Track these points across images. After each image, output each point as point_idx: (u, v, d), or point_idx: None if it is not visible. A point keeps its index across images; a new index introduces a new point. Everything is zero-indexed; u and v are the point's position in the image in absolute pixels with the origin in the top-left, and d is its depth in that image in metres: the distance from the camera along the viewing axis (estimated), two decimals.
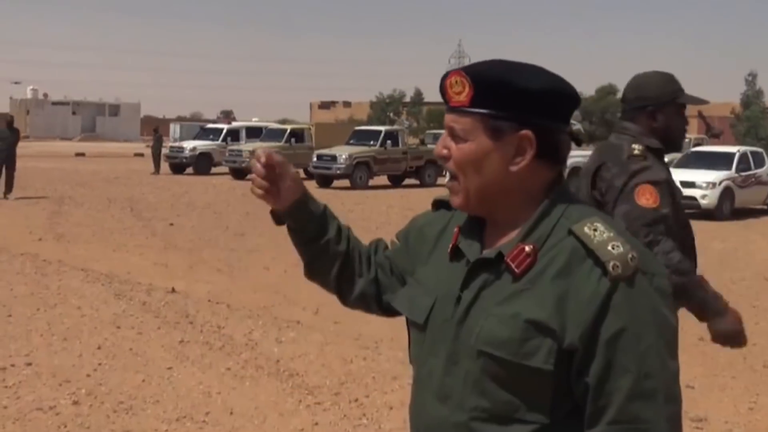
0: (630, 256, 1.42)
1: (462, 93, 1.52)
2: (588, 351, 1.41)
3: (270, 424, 5.13)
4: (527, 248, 1.48)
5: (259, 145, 29.68)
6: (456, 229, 1.63)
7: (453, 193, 1.59)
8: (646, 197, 3.00)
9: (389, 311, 1.81)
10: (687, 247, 3.10)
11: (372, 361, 6.47)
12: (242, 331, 7.37)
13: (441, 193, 1.80)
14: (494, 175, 1.52)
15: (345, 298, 1.87)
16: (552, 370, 1.42)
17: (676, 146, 3.26)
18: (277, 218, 1.82)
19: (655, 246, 2.96)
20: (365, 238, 1.91)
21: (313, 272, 1.86)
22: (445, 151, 1.56)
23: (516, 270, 1.48)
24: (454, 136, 1.54)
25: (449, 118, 1.56)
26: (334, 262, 1.81)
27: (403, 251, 1.79)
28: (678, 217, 3.09)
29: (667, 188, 3.06)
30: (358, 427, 5.10)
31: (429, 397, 1.57)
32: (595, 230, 1.45)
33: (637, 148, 3.11)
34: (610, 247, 1.43)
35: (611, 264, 1.41)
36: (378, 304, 1.84)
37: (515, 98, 1.49)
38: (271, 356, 6.59)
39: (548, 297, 1.44)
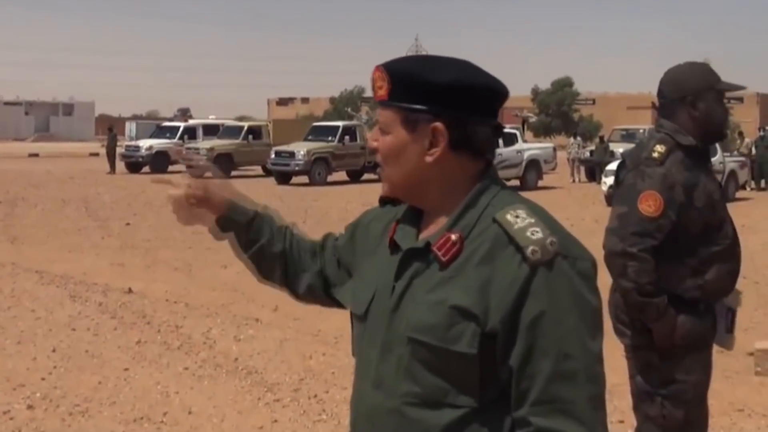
0: (549, 241, 1.46)
1: (382, 87, 1.59)
2: (509, 335, 1.45)
3: (229, 422, 5.10)
4: (453, 237, 1.52)
5: (216, 143, 29.49)
6: (394, 223, 1.68)
7: (382, 180, 1.67)
8: (649, 203, 2.98)
9: (340, 303, 1.84)
10: (712, 249, 3.05)
11: (331, 357, 6.46)
12: (200, 329, 7.31)
13: None
14: (412, 165, 1.58)
15: (296, 293, 1.94)
16: (476, 354, 1.46)
17: (720, 135, 3.20)
18: (216, 233, 1.91)
19: (631, 259, 2.97)
20: (324, 234, 1.96)
21: (262, 275, 1.93)
22: (375, 143, 1.63)
23: (443, 258, 1.52)
24: (380, 128, 1.62)
25: (377, 112, 1.64)
26: (275, 262, 1.89)
27: (348, 246, 1.84)
28: (703, 219, 3.04)
29: (682, 192, 3.00)
30: (317, 423, 5.09)
31: (366, 385, 1.60)
32: (516, 217, 1.50)
33: (658, 149, 3.05)
34: (529, 233, 1.47)
35: (530, 249, 1.45)
36: (327, 295, 1.89)
37: (426, 92, 1.55)
38: (229, 354, 6.55)
39: (472, 283, 1.48)
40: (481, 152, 1.59)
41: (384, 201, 1.81)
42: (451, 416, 1.49)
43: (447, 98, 1.55)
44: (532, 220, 1.49)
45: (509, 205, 1.52)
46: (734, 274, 3.16)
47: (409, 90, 1.55)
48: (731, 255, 3.12)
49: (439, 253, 1.52)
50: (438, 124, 1.55)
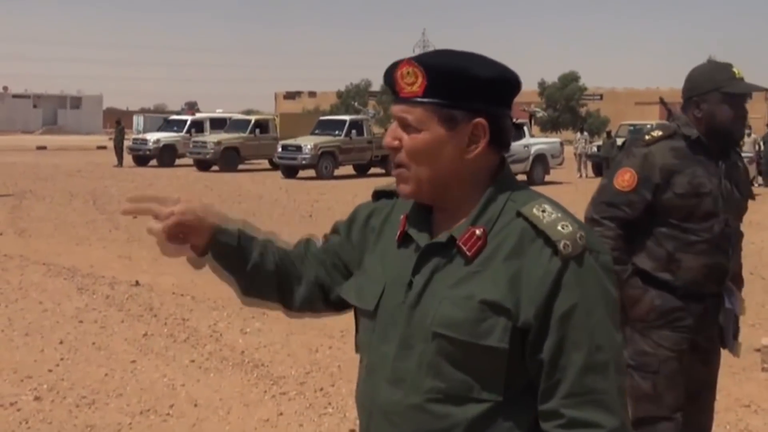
0: (579, 235, 1.47)
1: (415, 83, 1.52)
2: (542, 328, 1.45)
3: (235, 415, 5.11)
4: (478, 231, 1.51)
5: (224, 137, 29.50)
6: (403, 217, 1.64)
7: (402, 181, 1.59)
8: (623, 178, 3.11)
9: (338, 307, 1.79)
10: (690, 238, 3.10)
11: (337, 350, 6.47)
12: (207, 322, 7.33)
13: None
14: (448, 163, 1.53)
15: (290, 308, 1.81)
16: (507, 348, 1.46)
17: (726, 135, 3.15)
18: (196, 262, 1.73)
19: (596, 225, 3.09)
20: (300, 240, 1.87)
21: (250, 296, 1.79)
22: (396, 142, 1.56)
23: (468, 253, 1.51)
24: (407, 126, 1.55)
25: (400, 109, 1.56)
26: (270, 280, 1.75)
27: (345, 243, 1.77)
28: (685, 206, 3.09)
29: (659, 174, 3.07)
30: (323, 416, 5.10)
31: (382, 382, 1.57)
32: (543, 211, 1.50)
33: (653, 133, 3.17)
34: (559, 227, 1.47)
35: (562, 243, 1.45)
36: (325, 302, 1.81)
37: (468, 87, 1.51)
38: (235, 347, 6.56)
39: (501, 277, 1.47)
40: (508, 146, 1.58)
41: (378, 195, 1.78)
42: (476, 410, 1.48)
43: (487, 93, 1.52)
44: (559, 215, 1.49)
45: (532, 200, 1.52)
46: (715, 270, 3.17)
47: (451, 85, 1.51)
48: (713, 250, 3.14)
49: (465, 248, 1.51)
50: (482, 120, 1.52)
